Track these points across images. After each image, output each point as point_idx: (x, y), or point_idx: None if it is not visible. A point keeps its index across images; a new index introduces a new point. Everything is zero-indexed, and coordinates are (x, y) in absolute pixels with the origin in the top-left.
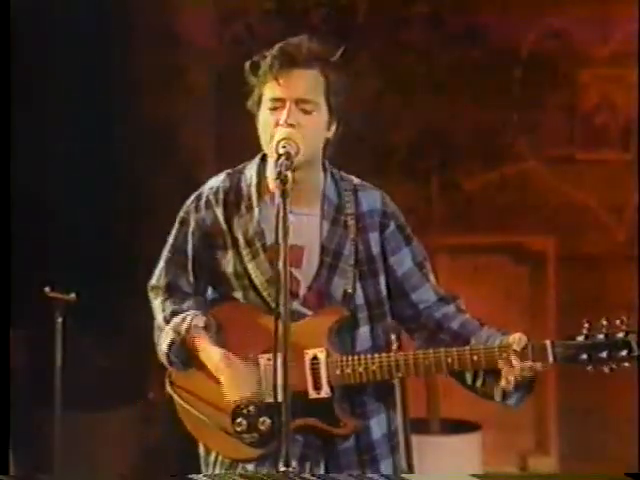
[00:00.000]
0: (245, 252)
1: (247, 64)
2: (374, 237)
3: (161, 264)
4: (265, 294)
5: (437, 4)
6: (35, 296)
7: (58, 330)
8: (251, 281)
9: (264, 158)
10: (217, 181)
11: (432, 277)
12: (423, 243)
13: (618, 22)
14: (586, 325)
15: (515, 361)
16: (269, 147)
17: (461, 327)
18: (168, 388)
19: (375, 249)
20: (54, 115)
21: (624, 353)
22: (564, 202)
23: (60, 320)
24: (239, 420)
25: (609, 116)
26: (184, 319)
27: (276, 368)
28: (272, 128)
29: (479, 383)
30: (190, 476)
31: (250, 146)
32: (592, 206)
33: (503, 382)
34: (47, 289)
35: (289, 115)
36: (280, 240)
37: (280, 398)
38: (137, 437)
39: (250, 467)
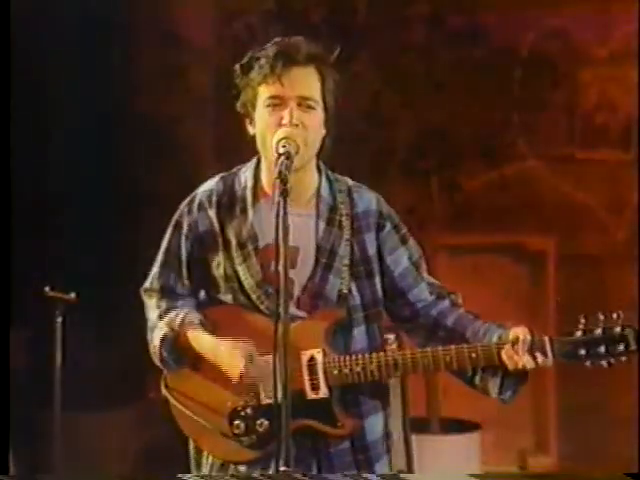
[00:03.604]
0: (236, 254)
1: (237, 66)
2: (369, 238)
3: (155, 268)
4: (254, 297)
5: (437, 4)
6: (35, 296)
7: (58, 330)
8: (240, 284)
9: (260, 161)
10: (211, 184)
11: (427, 275)
12: (423, 243)
13: (618, 22)
14: (582, 320)
15: (516, 356)
16: (266, 147)
17: (455, 323)
18: (163, 390)
19: (371, 250)
20: (54, 115)
21: (621, 348)
22: (564, 202)
23: (60, 320)
24: (237, 422)
25: (609, 116)
26: (177, 314)
27: (275, 369)
28: (274, 127)
29: (477, 379)
30: (180, 476)
31: (249, 146)
32: (592, 206)
33: (499, 377)
34: (47, 289)
35: (292, 114)
36: (280, 241)
37: (279, 399)
38: (137, 437)
39: (242, 468)
